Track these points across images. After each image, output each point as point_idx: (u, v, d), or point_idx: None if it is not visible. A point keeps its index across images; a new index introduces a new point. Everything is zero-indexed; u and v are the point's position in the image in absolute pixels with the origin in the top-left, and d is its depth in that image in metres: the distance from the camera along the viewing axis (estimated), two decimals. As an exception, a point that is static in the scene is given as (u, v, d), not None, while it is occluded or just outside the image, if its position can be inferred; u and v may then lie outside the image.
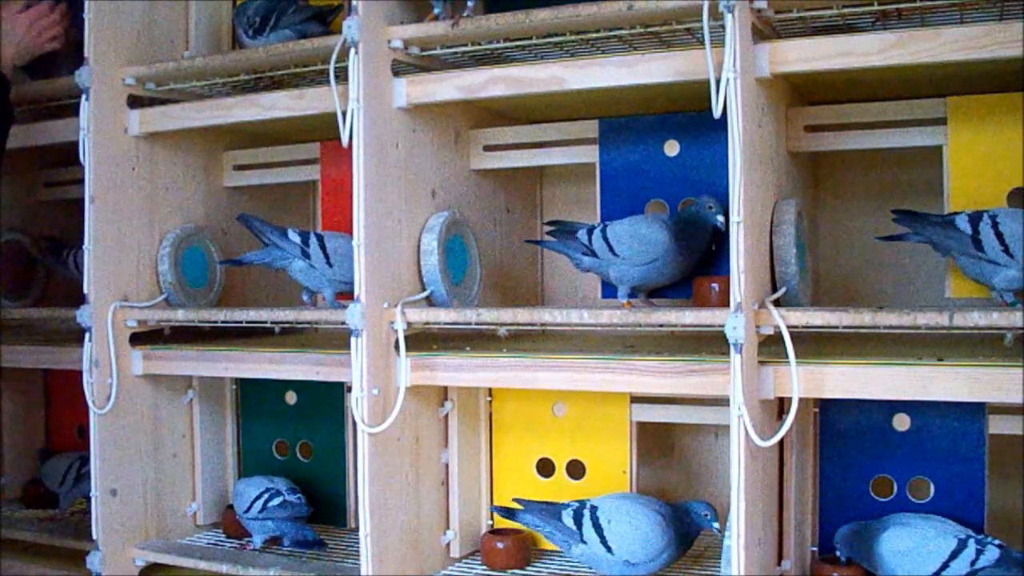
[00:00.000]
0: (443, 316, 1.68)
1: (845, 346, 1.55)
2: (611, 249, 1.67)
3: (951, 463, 1.60)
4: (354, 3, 1.60)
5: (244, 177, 2.20)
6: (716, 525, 1.65)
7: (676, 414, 1.78)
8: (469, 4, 1.65)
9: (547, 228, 1.81)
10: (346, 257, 1.78)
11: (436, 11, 1.67)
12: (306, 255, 1.84)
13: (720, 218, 1.62)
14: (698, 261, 1.67)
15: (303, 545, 1.94)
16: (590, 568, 1.73)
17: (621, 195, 1.77)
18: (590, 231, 1.72)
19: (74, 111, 1.89)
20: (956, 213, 1.49)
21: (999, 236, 1.42)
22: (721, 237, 1.64)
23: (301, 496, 1.97)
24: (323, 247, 1.84)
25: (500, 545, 1.79)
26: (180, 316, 1.93)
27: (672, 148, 1.77)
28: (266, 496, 1.94)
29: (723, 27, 1.38)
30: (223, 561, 1.88)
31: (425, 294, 1.74)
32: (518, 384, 1.64)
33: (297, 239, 1.85)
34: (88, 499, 2.35)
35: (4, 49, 1.95)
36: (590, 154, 1.86)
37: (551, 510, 1.71)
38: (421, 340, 1.72)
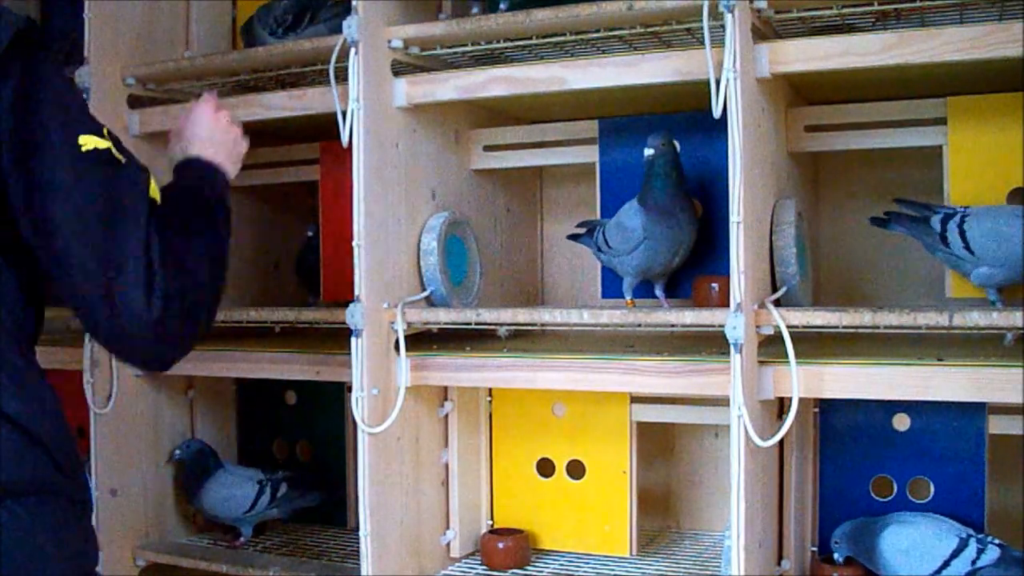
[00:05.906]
0: (443, 316, 1.68)
1: (845, 346, 1.55)
2: (607, 243, 1.68)
3: (951, 463, 1.60)
4: (354, 3, 1.60)
5: (244, 177, 2.18)
6: None
7: (676, 414, 1.78)
8: (502, 6, 1.65)
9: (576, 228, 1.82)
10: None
11: (474, 11, 1.71)
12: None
13: (648, 151, 1.59)
14: (688, 215, 1.63)
15: (305, 508, 2.02)
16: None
17: (621, 195, 1.77)
18: (591, 229, 1.73)
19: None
20: (935, 212, 1.49)
21: (962, 233, 1.43)
22: (663, 172, 1.60)
23: (292, 476, 2.03)
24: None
25: (500, 545, 1.79)
26: (180, 316, 1.92)
27: (672, 148, 1.77)
28: (268, 490, 1.98)
29: (723, 27, 1.37)
30: (223, 561, 1.88)
31: (425, 294, 1.74)
32: (518, 384, 1.64)
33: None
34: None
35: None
36: (590, 154, 1.86)
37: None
38: (421, 340, 1.72)
